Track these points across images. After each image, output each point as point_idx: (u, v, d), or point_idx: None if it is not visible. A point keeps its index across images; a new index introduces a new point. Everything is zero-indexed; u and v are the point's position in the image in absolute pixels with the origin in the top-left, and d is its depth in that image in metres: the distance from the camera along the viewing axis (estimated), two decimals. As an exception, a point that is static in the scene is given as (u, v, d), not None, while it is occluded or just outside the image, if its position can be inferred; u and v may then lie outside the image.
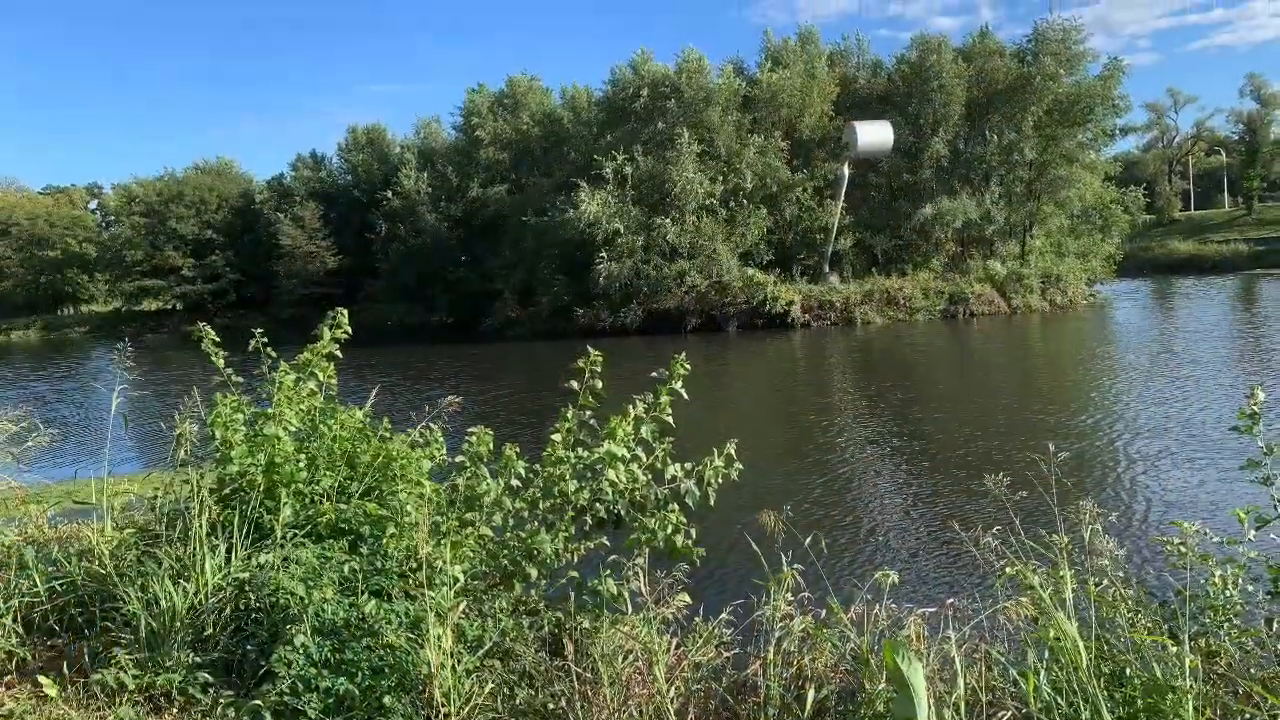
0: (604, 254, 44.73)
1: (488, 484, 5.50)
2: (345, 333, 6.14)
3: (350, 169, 71.87)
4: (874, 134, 45.93)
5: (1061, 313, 45.69)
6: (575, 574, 5.13)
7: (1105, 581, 4.53)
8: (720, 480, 5.36)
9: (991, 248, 50.20)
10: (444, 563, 4.54)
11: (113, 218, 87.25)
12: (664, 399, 5.45)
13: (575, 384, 5.52)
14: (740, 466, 5.41)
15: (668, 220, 44.76)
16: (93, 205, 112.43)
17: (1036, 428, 17.81)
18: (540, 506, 5.34)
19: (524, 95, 60.68)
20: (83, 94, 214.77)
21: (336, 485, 5.37)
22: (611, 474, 5.24)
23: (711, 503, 5.30)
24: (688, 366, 5.44)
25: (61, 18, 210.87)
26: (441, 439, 6.01)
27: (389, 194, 60.81)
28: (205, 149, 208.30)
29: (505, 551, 5.17)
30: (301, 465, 5.33)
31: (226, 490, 5.24)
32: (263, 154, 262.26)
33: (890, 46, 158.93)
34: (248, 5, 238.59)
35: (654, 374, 5.50)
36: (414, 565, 4.59)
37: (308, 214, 66.43)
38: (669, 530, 5.09)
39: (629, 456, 5.31)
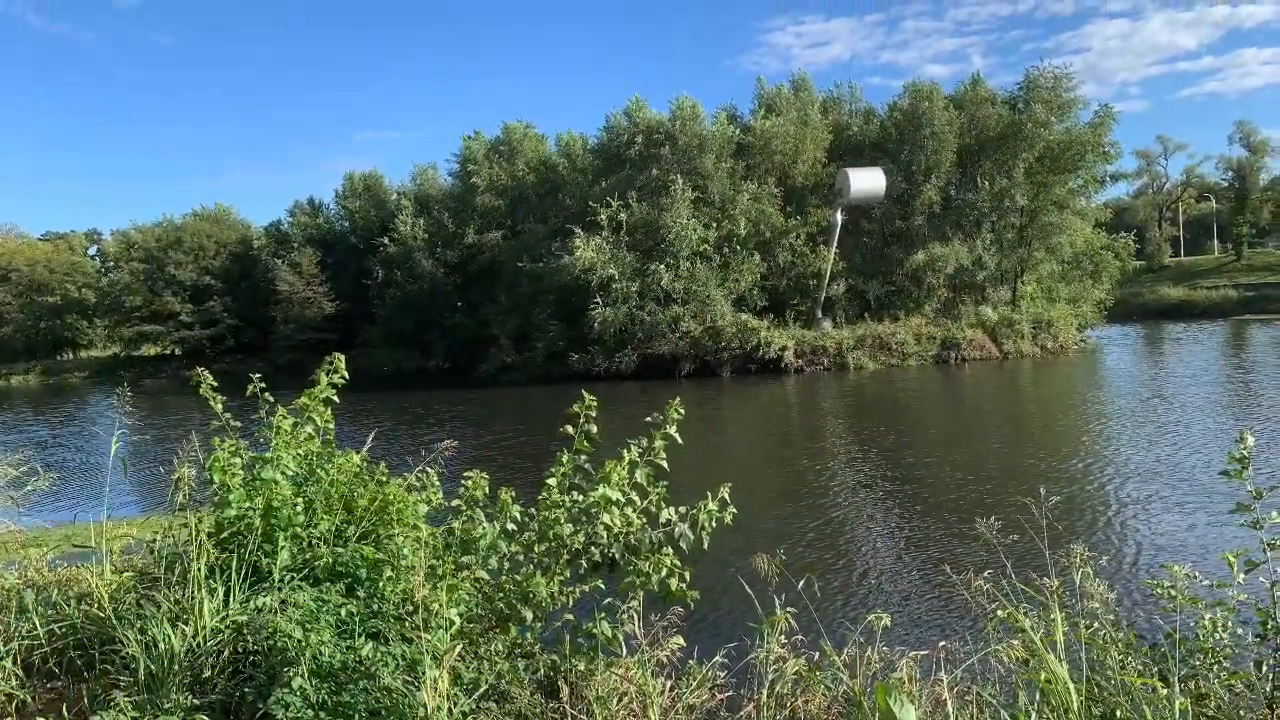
0: (599, 299, 44.93)
1: (484, 528, 5.53)
2: (342, 378, 6.18)
3: (347, 215, 72.23)
4: (866, 181, 46.35)
5: (1052, 358, 45.85)
6: (570, 617, 5.16)
7: (1096, 624, 4.57)
8: (714, 524, 5.39)
9: (983, 293, 50.52)
10: (440, 606, 4.56)
11: (112, 264, 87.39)
12: (658, 443, 5.50)
13: (570, 428, 5.58)
14: (734, 510, 5.44)
15: (662, 266, 45.02)
16: (92, 251, 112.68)
17: (1027, 472, 17.86)
18: (536, 550, 5.37)
19: (520, 142, 61.23)
20: (82, 141, 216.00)
21: (334, 529, 5.40)
22: (606, 518, 5.28)
23: (705, 546, 5.34)
24: (682, 411, 5.49)
25: (60, 64, 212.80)
26: (438, 483, 6.04)
27: (386, 240, 61.10)
28: (203, 196, 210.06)
29: (501, 594, 5.19)
30: (299, 509, 5.35)
31: (225, 534, 5.25)
32: (260, 201, 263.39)
33: (883, 94, 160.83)
34: (245, 62, 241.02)
35: (648, 418, 5.56)
36: (410, 608, 4.62)
37: (305, 260, 66.70)
38: (663, 573, 5.13)
39: (624, 500, 5.34)
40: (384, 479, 5.78)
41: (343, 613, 4.61)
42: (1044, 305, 49.83)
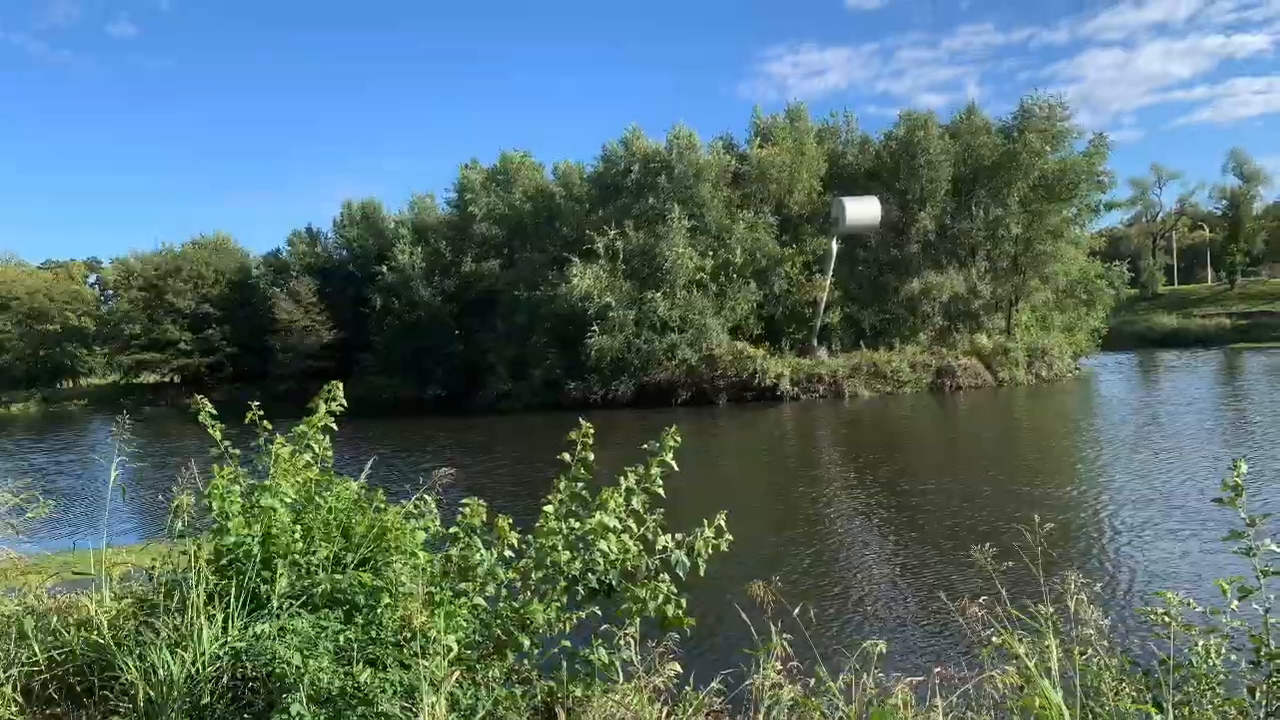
0: (596, 328, 45.01)
1: (481, 554, 5.54)
2: (341, 406, 6.21)
3: (345, 244, 72.41)
4: (862, 209, 46.61)
5: (1047, 386, 45.94)
6: (567, 643, 5.16)
7: (1090, 651, 4.60)
8: (710, 551, 5.39)
9: (978, 321, 50.65)
10: (438, 632, 4.58)
11: (111, 292, 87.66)
12: (655, 471, 5.52)
13: (568, 456, 5.61)
14: (730, 537, 5.45)
15: (658, 294, 45.16)
16: (91, 280, 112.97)
17: (1022, 499, 17.87)
18: (533, 577, 5.38)
19: (517, 171, 61.45)
20: (81, 168, 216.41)
21: (332, 556, 5.42)
22: (603, 544, 5.29)
23: (702, 573, 5.35)
24: (678, 439, 5.52)
25: (58, 91, 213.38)
26: (435, 510, 6.04)
27: (384, 269, 61.15)
28: (202, 223, 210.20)
29: (498, 621, 5.20)
30: (298, 536, 5.37)
31: (223, 561, 5.26)
32: (258, 227, 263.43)
33: (878, 123, 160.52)
34: (243, 90, 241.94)
35: (645, 446, 5.59)
36: (408, 635, 4.63)
37: (303, 288, 66.77)
38: (660, 600, 5.14)
39: (620, 527, 5.36)
40: (382, 506, 5.80)
41: (341, 639, 4.62)
42: (1038, 333, 50.01)
